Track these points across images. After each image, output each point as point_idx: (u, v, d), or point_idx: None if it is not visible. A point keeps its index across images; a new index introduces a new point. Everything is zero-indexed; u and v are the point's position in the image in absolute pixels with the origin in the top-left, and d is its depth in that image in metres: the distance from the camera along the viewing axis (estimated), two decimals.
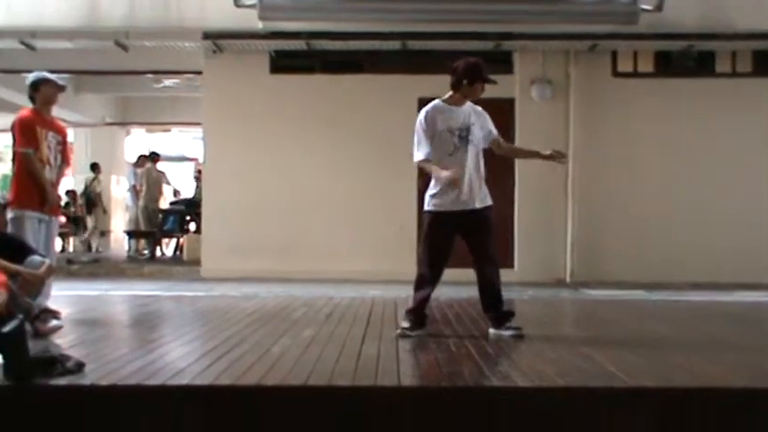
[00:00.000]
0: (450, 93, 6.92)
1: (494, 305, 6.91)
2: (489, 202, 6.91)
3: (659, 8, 11.79)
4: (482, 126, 6.94)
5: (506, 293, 10.79)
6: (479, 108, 7.01)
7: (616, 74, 13.64)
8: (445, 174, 6.62)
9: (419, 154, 6.83)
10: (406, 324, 6.81)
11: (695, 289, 11.94)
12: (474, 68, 6.86)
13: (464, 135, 6.79)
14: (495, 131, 7.03)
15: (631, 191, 13.35)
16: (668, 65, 13.56)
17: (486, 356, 5.89)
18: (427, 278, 6.86)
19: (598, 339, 6.99)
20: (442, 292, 9.20)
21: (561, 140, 13.27)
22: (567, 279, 13.23)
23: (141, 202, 17.68)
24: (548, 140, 13.13)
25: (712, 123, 13.40)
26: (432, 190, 6.83)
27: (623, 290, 11.75)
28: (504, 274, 12.36)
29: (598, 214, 13.33)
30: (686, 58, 13.45)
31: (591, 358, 5.81)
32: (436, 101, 6.94)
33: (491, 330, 6.88)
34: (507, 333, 6.76)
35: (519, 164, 13.29)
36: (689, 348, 6.45)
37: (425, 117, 6.83)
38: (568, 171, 13.22)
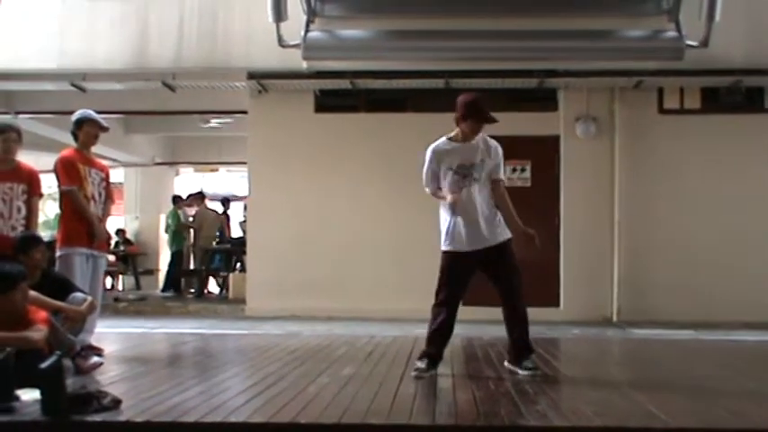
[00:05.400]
0: (456, 130, 6.86)
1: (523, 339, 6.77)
2: (507, 235, 6.76)
3: (705, 44, 11.66)
4: (489, 162, 6.79)
5: (552, 332, 10.79)
6: (494, 143, 6.86)
7: (662, 110, 13.51)
8: (449, 197, 6.64)
9: (426, 188, 6.91)
10: (421, 364, 6.70)
11: (747, 328, 11.67)
12: (468, 105, 6.74)
13: (467, 173, 6.70)
14: (499, 174, 6.84)
15: (679, 228, 13.16)
16: (715, 101, 13.40)
17: (525, 396, 5.80)
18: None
19: (642, 379, 6.87)
20: (484, 332, 9.19)
21: (606, 177, 13.23)
22: (614, 318, 13.04)
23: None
24: (593, 178, 13.22)
25: (762, 159, 13.21)
26: (443, 229, 6.77)
27: (672, 329, 11.54)
28: (550, 313, 12.60)
29: (645, 252, 13.15)
30: (734, 94, 13.29)
31: (632, 398, 5.71)
32: (442, 138, 6.88)
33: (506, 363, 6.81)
34: (524, 372, 6.61)
35: (564, 201, 13.22)
36: (736, 390, 6.27)
37: (430, 154, 6.82)
38: (614, 208, 13.14)
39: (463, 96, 6.87)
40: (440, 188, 6.80)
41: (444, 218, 6.79)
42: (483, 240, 6.67)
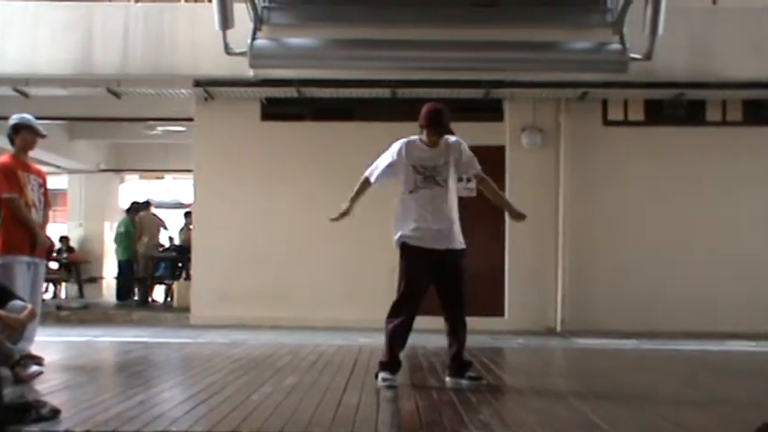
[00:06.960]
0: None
1: (459, 352, 6.75)
2: (463, 246, 6.79)
3: (648, 57, 11.82)
4: (457, 160, 6.85)
5: (496, 342, 10.85)
6: (454, 140, 6.91)
7: (607, 122, 13.68)
8: (343, 209, 7.18)
9: (368, 173, 7.11)
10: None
11: (688, 338, 11.83)
12: (426, 114, 6.80)
13: (429, 175, 6.72)
14: (475, 167, 6.96)
15: (622, 238, 13.32)
16: (659, 113, 13.61)
17: (468, 405, 5.81)
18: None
19: (584, 389, 6.91)
20: (428, 341, 9.18)
21: (551, 188, 13.34)
22: (558, 328, 13.14)
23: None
24: (538, 188, 13.30)
25: (703, 171, 13.42)
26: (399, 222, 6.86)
27: (614, 339, 11.68)
28: (495, 323, 12.65)
29: (589, 262, 13.28)
30: (676, 107, 13.52)
31: (575, 408, 5.75)
32: (414, 136, 6.91)
33: (448, 379, 6.76)
34: (468, 382, 6.62)
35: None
36: (677, 399, 6.39)
37: (401, 143, 6.88)
38: (559, 219, 13.25)
39: (426, 105, 6.92)
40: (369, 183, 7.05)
41: (401, 212, 6.84)
42: (437, 242, 6.67)
